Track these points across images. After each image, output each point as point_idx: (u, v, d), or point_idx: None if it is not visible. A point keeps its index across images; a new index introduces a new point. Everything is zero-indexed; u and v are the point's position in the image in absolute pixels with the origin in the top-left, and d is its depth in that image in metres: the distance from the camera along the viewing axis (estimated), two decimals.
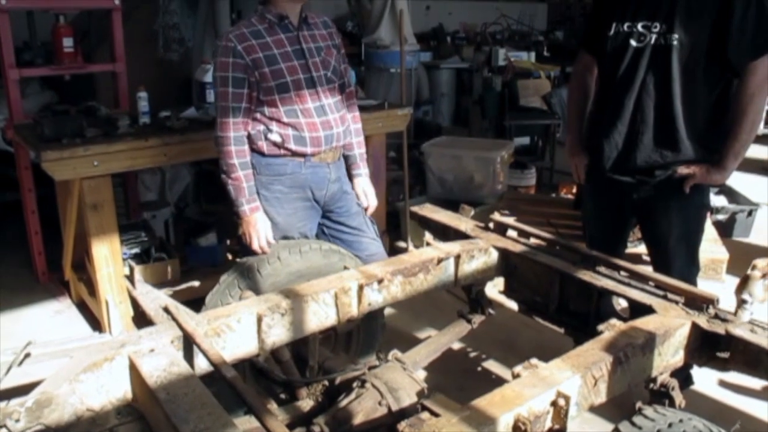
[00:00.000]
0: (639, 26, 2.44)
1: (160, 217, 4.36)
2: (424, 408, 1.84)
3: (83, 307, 3.78)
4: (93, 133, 3.23)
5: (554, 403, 1.59)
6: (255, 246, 2.59)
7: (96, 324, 3.55)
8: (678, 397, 2.00)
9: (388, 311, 2.82)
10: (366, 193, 2.90)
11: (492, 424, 1.48)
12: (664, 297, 2.12)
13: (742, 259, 3.36)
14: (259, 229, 2.58)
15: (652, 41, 2.42)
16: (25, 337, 2.02)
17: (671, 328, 1.93)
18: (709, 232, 4.29)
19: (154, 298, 2.05)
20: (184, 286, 2.76)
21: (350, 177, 2.89)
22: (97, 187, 3.14)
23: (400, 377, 1.96)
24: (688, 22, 2.36)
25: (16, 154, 4.04)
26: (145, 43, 4.98)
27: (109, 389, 1.70)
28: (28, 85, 4.90)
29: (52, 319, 3.76)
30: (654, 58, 2.42)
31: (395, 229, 4.64)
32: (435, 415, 1.77)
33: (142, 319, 2.05)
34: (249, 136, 2.60)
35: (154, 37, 5.05)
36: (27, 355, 1.99)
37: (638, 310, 2.10)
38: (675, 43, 2.38)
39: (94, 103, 3.84)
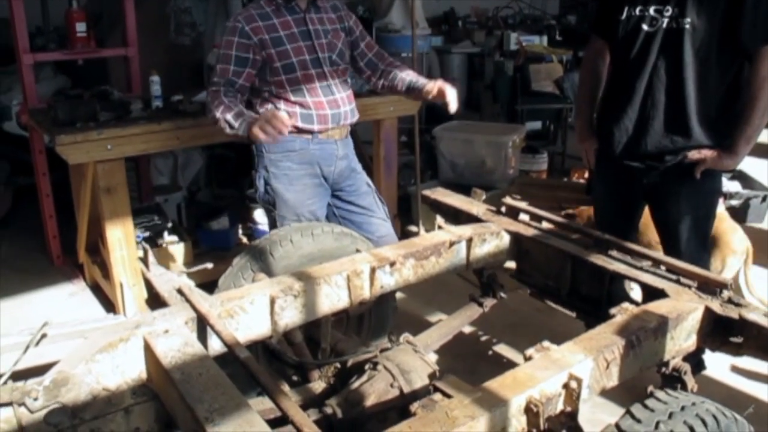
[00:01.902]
0: (651, 10, 2.42)
1: (172, 201, 4.39)
2: (437, 389, 1.85)
3: (97, 290, 3.82)
4: (106, 117, 3.25)
5: (566, 386, 1.59)
6: (279, 131, 2.28)
7: (110, 306, 3.59)
8: (690, 381, 2.00)
9: (399, 295, 2.83)
10: (441, 86, 2.67)
11: (504, 405, 1.48)
12: (677, 281, 2.11)
13: (755, 246, 3.34)
14: (271, 116, 2.32)
15: (664, 25, 2.40)
16: (40, 319, 2.05)
17: (684, 312, 1.92)
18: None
19: (168, 280, 2.07)
20: (197, 268, 2.78)
21: (422, 91, 2.73)
22: (110, 171, 3.17)
23: (411, 360, 1.98)
24: (701, 6, 2.33)
25: (31, 139, 4.07)
26: (157, 28, 4.98)
27: (125, 369, 1.72)
28: (41, 70, 4.92)
29: (67, 302, 3.80)
30: (666, 43, 2.40)
31: (406, 213, 4.64)
32: (447, 396, 1.78)
33: (156, 301, 2.07)
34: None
35: (167, 21, 5.06)
36: (44, 336, 2.02)
37: (651, 294, 2.10)
38: (687, 27, 2.35)
39: (107, 87, 3.86)
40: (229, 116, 2.44)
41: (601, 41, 2.70)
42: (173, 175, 4.89)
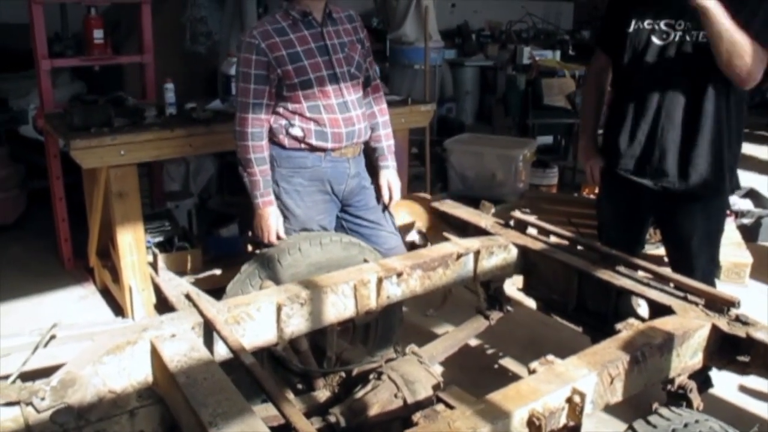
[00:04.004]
0: (661, 24, 2.42)
1: (183, 207, 4.42)
2: (440, 400, 1.85)
3: (107, 294, 3.85)
4: (120, 122, 3.28)
5: (569, 400, 1.59)
6: (265, 239, 2.63)
7: (119, 310, 3.61)
8: (696, 399, 1.99)
9: (405, 306, 2.84)
10: (391, 185, 2.87)
11: (506, 417, 1.49)
12: (684, 298, 2.10)
13: (766, 264, 3.32)
14: (270, 223, 2.62)
15: (677, 39, 2.39)
16: (50, 320, 2.07)
17: (690, 329, 1.92)
18: (734, 236, 4.24)
19: (176, 285, 2.09)
20: (205, 274, 2.80)
21: (376, 169, 2.89)
22: (123, 176, 3.20)
23: (416, 370, 1.98)
24: None
25: (46, 143, 4.12)
26: (173, 36, 5.04)
27: (131, 372, 1.74)
28: (58, 76, 4.99)
29: (76, 304, 3.83)
30: (681, 57, 2.40)
31: None
32: (450, 407, 1.78)
33: (164, 306, 2.09)
34: (270, 130, 2.63)
35: (182, 30, 5.11)
36: (52, 337, 2.04)
37: (657, 310, 2.09)
38: (701, 39, 2.34)
39: (122, 93, 3.90)
40: (246, 180, 2.65)
41: (605, 57, 2.69)
42: (185, 181, 4.93)
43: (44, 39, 3.79)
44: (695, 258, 2.56)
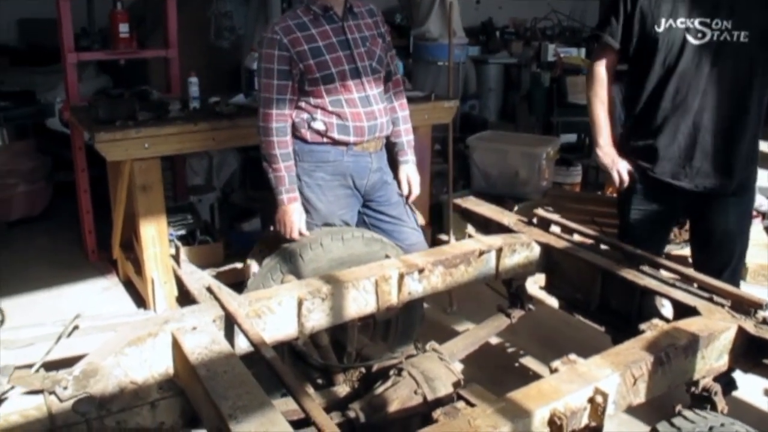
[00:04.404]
0: (696, 23, 2.36)
1: (206, 201, 4.45)
2: (460, 397, 1.84)
3: (130, 286, 3.88)
4: (145, 116, 3.31)
5: (591, 400, 1.57)
6: (288, 235, 2.62)
7: (141, 302, 3.64)
8: (720, 402, 1.96)
9: (426, 303, 2.83)
10: (410, 180, 2.87)
11: (527, 416, 1.47)
12: (710, 299, 2.07)
13: None
14: (294, 219, 2.62)
15: (715, 38, 2.34)
16: (74, 311, 2.10)
17: (716, 331, 1.89)
18: (760, 238, 4.18)
19: (198, 278, 2.10)
20: (226, 267, 2.81)
21: (396, 164, 2.89)
22: (147, 169, 3.22)
23: (436, 367, 1.97)
24: (754, 15, 2.28)
25: (72, 135, 4.16)
26: (198, 31, 5.08)
27: (152, 364, 1.75)
28: (84, 70, 5.06)
29: (99, 296, 3.87)
30: (719, 56, 2.34)
31: (438, 221, 4.63)
32: (470, 404, 1.77)
33: (186, 298, 2.10)
34: (293, 124, 2.63)
35: (207, 24, 5.14)
36: (76, 328, 2.07)
37: (682, 311, 2.06)
38: (745, 40, 2.30)
39: (146, 87, 3.93)
40: (271, 175, 2.63)
41: (616, 54, 2.58)
42: (208, 175, 4.97)
43: (71, 33, 3.83)
44: (728, 257, 2.53)
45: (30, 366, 1.69)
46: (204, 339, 1.72)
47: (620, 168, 2.65)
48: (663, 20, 2.41)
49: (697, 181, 2.49)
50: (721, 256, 2.54)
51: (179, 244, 2.23)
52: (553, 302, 2.69)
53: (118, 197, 3.60)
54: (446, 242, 4.12)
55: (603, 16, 2.67)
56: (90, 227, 4.24)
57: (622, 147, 2.67)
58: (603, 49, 2.62)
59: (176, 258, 2.19)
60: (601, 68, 2.63)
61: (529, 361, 3.20)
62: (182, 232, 3.85)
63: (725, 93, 2.38)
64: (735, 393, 2.63)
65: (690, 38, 2.38)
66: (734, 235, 2.53)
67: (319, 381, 2.26)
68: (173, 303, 3.19)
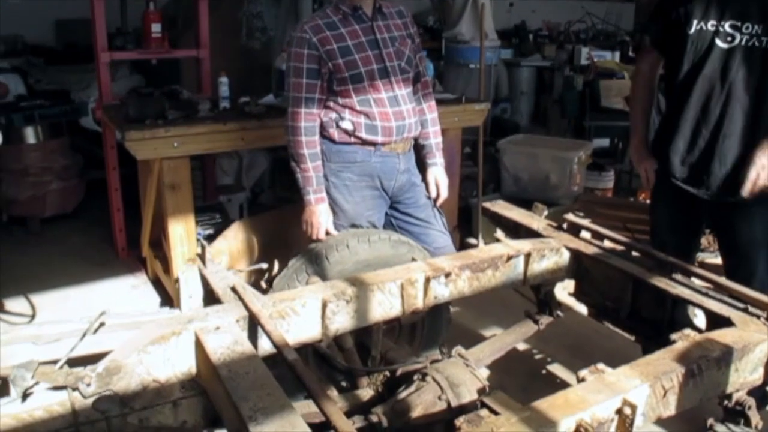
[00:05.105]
0: (726, 26, 2.31)
1: (235, 201, 4.47)
2: (484, 405, 1.81)
3: (158, 284, 3.91)
4: (174, 115, 3.33)
5: (619, 411, 1.53)
6: (314, 236, 2.62)
7: (169, 300, 3.67)
8: (755, 417, 1.91)
9: (454, 307, 2.79)
10: (438, 182, 2.84)
11: (552, 427, 1.44)
12: (745, 310, 2.01)
13: None
14: (321, 220, 2.61)
15: (743, 42, 2.29)
16: (102, 308, 2.10)
17: (750, 343, 1.83)
18: None
19: (223, 278, 2.09)
20: (252, 267, 2.81)
21: (425, 166, 2.86)
22: (175, 168, 3.24)
23: (461, 373, 1.94)
24: None
25: (103, 134, 4.22)
26: (230, 32, 5.10)
27: (175, 363, 1.75)
28: (118, 69, 5.12)
29: (128, 293, 3.90)
30: (746, 61, 2.29)
31: (467, 225, 4.59)
32: (494, 413, 1.73)
33: (210, 298, 2.10)
34: (321, 124, 2.62)
35: (239, 25, 5.17)
36: (101, 324, 2.07)
37: (715, 321, 2.00)
38: None
39: (176, 86, 3.96)
40: (298, 175, 2.62)
41: (657, 55, 2.59)
42: (238, 175, 4.99)
43: (104, 32, 3.87)
44: (754, 267, 2.45)
45: (55, 362, 1.70)
46: (227, 339, 1.71)
47: (647, 167, 2.67)
48: (695, 22, 2.38)
49: (713, 189, 2.43)
50: (748, 265, 2.47)
51: (205, 243, 2.23)
52: (582, 309, 2.64)
53: (147, 196, 3.63)
54: (475, 246, 4.08)
55: (649, 17, 2.71)
56: (120, 225, 4.28)
57: (654, 150, 2.65)
58: (645, 50, 2.67)
59: (201, 257, 2.18)
60: (641, 68, 2.71)
61: (557, 369, 3.14)
62: (210, 231, 3.87)
63: (749, 100, 2.31)
64: None
65: (719, 41, 2.33)
66: (760, 245, 2.44)
67: (344, 384, 2.24)
68: (199, 302, 3.20)
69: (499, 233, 2.78)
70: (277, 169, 5.14)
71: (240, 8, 5.14)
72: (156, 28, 4.02)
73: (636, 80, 2.79)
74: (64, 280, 3.91)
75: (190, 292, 2.21)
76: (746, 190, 2.30)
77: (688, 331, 1.94)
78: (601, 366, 1.67)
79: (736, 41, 2.31)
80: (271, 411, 1.42)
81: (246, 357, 1.64)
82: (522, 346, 3.14)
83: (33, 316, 3.53)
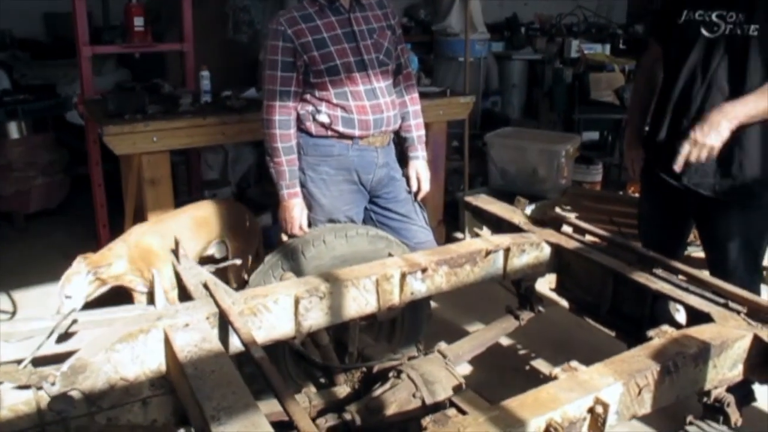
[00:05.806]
0: (713, 15, 2.29)
1: (220, 196, 4.44)
2: (452, 404, 1.78)
3: None
4: (155, 109, 3.29)
5: (591, 410, 1.50)
6: (289, 231, 2.59)
7: (150, 296, 3.62)
8: (734, 414, 1.88)
9: (437, 302, 2.77)
10: (420, 176, 2.81)
11: (521, 426, 1.40)
12: (725, 306, 1.97)
13: None
14: (294, 215, 2.58)
15: (727, 31, 2.26)
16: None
17: (729, 339, 1.80)
18: None
19: (196, 274, 2.06)
20: (229, 263, 2.79)
21: (407, 159, 2.83)
22: (155, 163, 3.21)
23: (437, 370, 1.91)
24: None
25: (86, 129, 4.17)
26: (216, 25, 5.07)
27: (144, 360, 1.71)
28: (104, 64, 5.08)
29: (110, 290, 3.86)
30: (728, 50, 2.26)
31: (453, 219, 4.56)
32: (462, 412, 1.71)
33: (183, 294, 2.06)
34: (297, 117, 2.59)
35: (225, 19, 5.13)
36: (74, 321, 2.04)
37: (695, 317, 1.97)
38: (755, 34, 2.21)
39: (158, 80, 3.93)
40: (272, 169, 2.64)
41: (658, 47, 2.57)
42: (223, 170, 4.95)
43: (86, 26, 3.84)
44: (734, 262, 2.42)
45: (21, 361, 1.66)
46: (195, 336, 1.68)
47: (633, 157, 2.68)
48: (684, 12, 2.37)
49: (695, 180, 2.39)
50: (729, 260, 2.43)
51: (179, 237, 2.19)
52: (566, 304, 2.62)
53: (128, 191, 3.59)
54: (461, 240, 4.06)
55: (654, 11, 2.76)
56: (104, 221, 4.24)
57: (644, 142, 2.65)
58: (648, 43, 2.69)
59: (175, 252, 2.15)
60: (643, 60, 2.76)
61: (540, 364, 3.13)
62: None
63: (730, 91, 2.28)
64: (753, 404, 2.53)
65: (704, 31, 2.31)
66: (740, 245, 2.40)
67: (322, 380, 2.21)
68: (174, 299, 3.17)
69: (483, 229, 2.74)
70: (263, 163, 5.09)
71: (227, 2, 5.10)
72: (138, 21, 3.98)
73: (637, 72, 2.86)
74: (47, 276, 3.85)
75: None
76: (678, 165, 2.26)
77: (665, 327, 1.92)
78: (574, 364, 1.64)
79: (720, 30, 2.29)
80: (234, 410, 1.39)
81: (213, 354, 1.61)
82: (505, 342, 3.12)
83: (14, 313, 3.50)
